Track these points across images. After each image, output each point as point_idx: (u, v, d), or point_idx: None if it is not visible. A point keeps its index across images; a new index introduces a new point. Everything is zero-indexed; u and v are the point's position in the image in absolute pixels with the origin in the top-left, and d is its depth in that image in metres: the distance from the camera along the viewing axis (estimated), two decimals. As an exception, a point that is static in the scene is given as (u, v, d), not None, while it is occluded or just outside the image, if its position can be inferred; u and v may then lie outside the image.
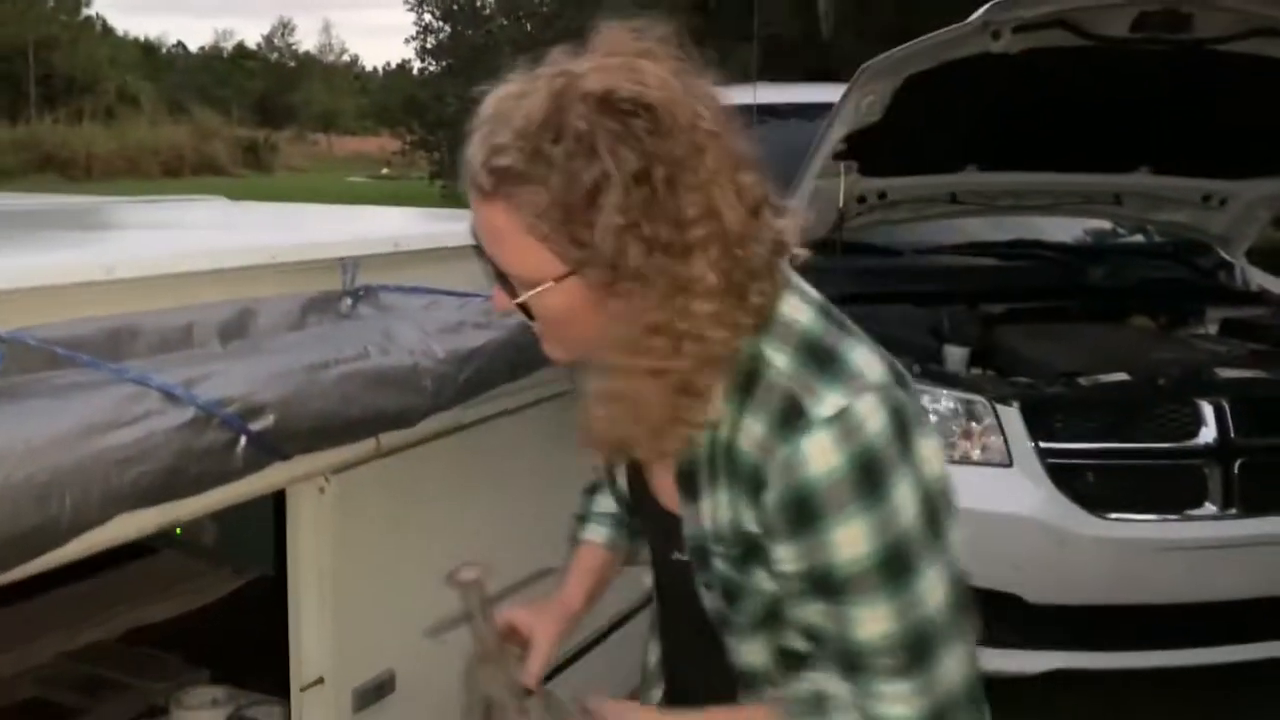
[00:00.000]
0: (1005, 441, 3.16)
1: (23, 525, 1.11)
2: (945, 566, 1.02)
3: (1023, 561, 3.10)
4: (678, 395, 1.02)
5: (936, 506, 1.02)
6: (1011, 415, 3.18)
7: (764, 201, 1.04)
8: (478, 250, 1.06)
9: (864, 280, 3.68)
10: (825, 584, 1.01)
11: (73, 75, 26.11)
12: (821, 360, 1.04)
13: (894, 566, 0.99)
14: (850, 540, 0.99)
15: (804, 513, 1.00)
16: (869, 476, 0.98)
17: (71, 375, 1.27)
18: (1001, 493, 3.12)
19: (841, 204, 3.65)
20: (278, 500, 1.80)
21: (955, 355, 3.49)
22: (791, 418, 1.01)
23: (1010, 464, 3.16)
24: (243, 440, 1.34)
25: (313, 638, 1.74)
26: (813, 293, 1.11)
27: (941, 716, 1.03)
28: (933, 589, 1.01)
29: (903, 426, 1.01)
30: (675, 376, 1.01)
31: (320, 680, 1.76)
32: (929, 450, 1.03)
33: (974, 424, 3.22)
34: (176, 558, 3.30)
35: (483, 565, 1.36)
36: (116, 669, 2.50)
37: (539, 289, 1.01)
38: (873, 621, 1.01)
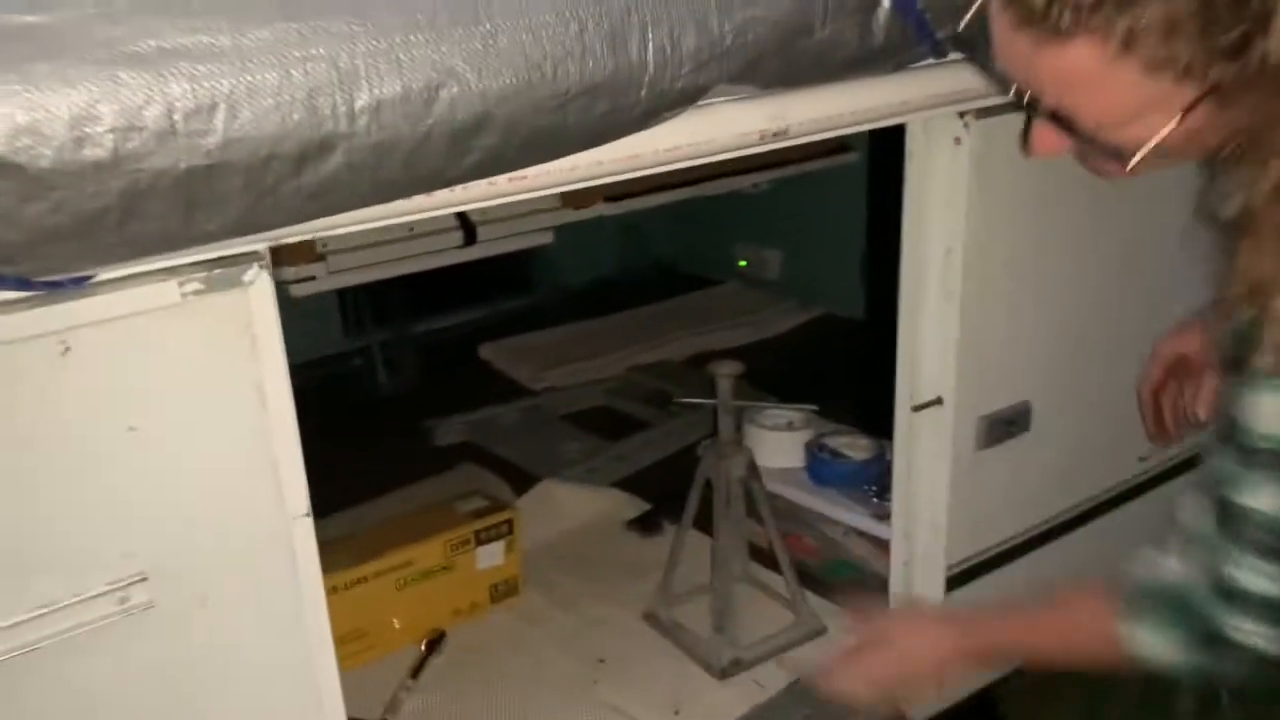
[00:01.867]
0: None
1: (605, 70, 0.77)
2: None
3: None
4: None
5: None
6: None
7: None
8: (1018, 102, 0.75)
9: None
10: (1228, 434, 0.89)
11: None
12: None
13: None
14: (1272, 414, 0.85)
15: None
16: None
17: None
18: None
19: None
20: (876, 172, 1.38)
21: None
22: None
23: None
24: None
25: (934, 344, 1.33)
26: None
27: None
28: None
29: None
30: None
31: (938, 400, 1.35)
32: None
33: None
34: (740, 290, 3.14)
35: (738, 365, 1.51)
36: (681, 386, 2.33)
37: (1161, 135, 0.72)
38: (1268, 496, 0.88)
